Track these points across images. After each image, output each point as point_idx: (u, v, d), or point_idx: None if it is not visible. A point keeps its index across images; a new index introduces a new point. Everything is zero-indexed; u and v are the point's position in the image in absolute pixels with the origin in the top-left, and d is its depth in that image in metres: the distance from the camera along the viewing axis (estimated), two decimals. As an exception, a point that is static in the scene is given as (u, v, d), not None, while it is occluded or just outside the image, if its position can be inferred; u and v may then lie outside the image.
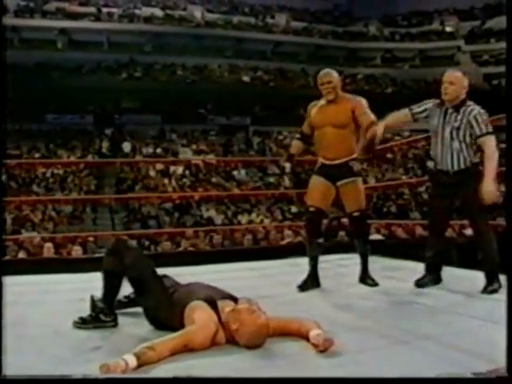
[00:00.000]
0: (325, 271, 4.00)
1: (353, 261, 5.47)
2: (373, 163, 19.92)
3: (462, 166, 3.63)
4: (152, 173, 17.43)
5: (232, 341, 2.45)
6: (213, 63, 26.87)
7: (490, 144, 3.53)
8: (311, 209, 4.00)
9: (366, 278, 4.01)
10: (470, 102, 3.68)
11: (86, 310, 3.04)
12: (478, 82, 27.64)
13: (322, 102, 4.11)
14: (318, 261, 4.01)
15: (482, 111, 3.61)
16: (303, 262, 4.06)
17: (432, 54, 29.58)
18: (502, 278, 3.48)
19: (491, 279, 3.57)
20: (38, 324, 2.98)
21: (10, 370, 2.18)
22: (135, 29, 26.58)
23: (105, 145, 20.98)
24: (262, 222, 14.23)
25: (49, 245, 7.61)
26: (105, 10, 27.21)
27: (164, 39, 26.55)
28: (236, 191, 16.04)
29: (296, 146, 4.30)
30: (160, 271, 2.91)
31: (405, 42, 30.49)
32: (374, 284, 3.92)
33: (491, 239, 3.63)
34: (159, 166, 17.38)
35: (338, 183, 3.98)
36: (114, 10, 27.31)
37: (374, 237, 8.52)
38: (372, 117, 3.95)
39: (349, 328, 2.72)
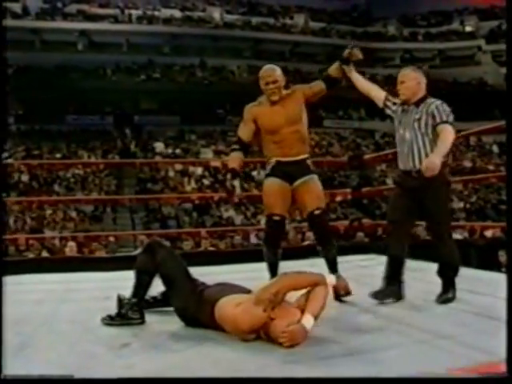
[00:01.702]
0: (345, 272, 4.03)
1: (373, 261, 5.51)
2: (392, 165, 19.83)
3: None
4: (171, 173, 17.56)
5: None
6: (231, 64, 27.00)
7: (447, 130, 3.30)
8: (275, 218, 3.66)
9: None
10: (431, 99, 3.45)
11: (111, 308, 3.13)
12: (499, 82, 27.41)
13: (265, 103, 3.74)
14: (278, 268, 3.77)
15: (445, 104, 3.40)
16: (322, 263, 4.10)
17: (452, 54, 29.40)
18: (502, 278, 3.48)
19: (447, 287, 3.41)
20: (67, 321, 3.06)
21: (42, 366, 2.27)
22: (154, 30, 26.77)
23: (133, 144, 21.22)
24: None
25: (71, 244, 7.75)
26: (124, 11, 27.46)
27: (183, 40, 26.72)
28: (255, 192, 16.06)
29: (236, 158, 3.74)
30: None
31: (424, 42, 30.30)
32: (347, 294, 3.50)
33: (453, 246, 3.45)
34: (178, 167, 17.51)
35: (296, 183, 3.68)
36: (133, 11, 27.53)
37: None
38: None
39: (369, 327, 2.76)
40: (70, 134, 22.47)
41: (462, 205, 16.52)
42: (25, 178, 16.40)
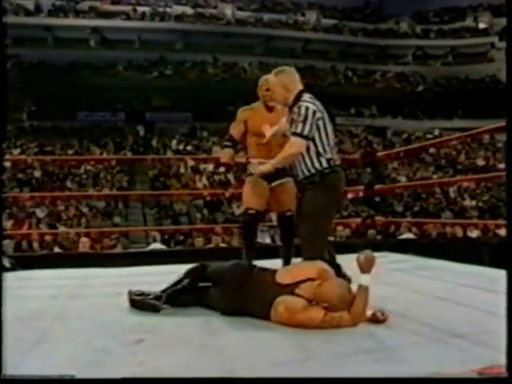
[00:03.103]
0: (357, 269, 4.02)
1: (384, 259, 5.49)
2: (404, 162, 19.76)
3: (307, 173, 3.29)
4: (183, 169, 17.59)
5: None
6: (243, 61, 26.97)
7: (290, 145, 3.24)
8: (251, 211, 3.98)
9: None
10: (303, 99, 3.27)
11: (124, 304, 3.16)
12: (512, 80, 27.17)
13: (259, 108, 4.06)
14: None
15: (302, 105, 3.21)
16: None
17: (465, 51, 29.18)
18: (502, 275, 3.44)
19: None
20: (80, 316, 3.07)
21: (56, 361, 2.28)
22: (166, 27, 26.76)
23: (154, 140, 21.32)
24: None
25: (84, 239, 7.79)
26: (136, 8, 27.52)
27: (194, 37, 26.70)
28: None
29: (228, 154, 4.05)
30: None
31: (437, 39, 30.09)
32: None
33: (317, 246, 3.24)
34: (190, 163, 17.54)
35: (275, 183, 4.00)
36: (145, 8, 27.57)
37: (406, 236, 8.50)
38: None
39: (384, 326, 2.75)
40: (81, 130, 22.56)
41: (474, 203, 16.41)
42: (37, 173, 16.49)
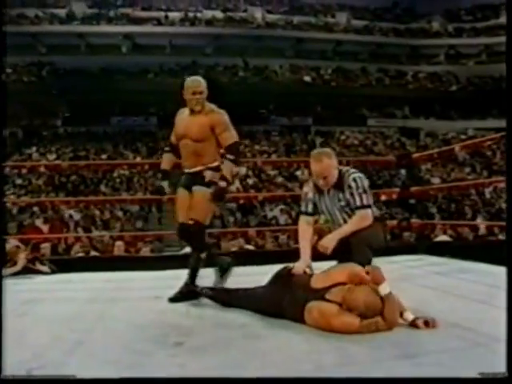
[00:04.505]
0: (394, 272, 3.96)
1: (421, 262, 5.42)
2: (437, 163, 19.48)
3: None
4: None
5: None
6: (274, 63, 26.96)
7: (361, 216, 3.36)
8: (178, 225, 3.86)
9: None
10: (345, 171, 3.46)
11: (162, 307, 3.17)
12: (549, 78, 26.56)
13: (187, 112, 3.95)
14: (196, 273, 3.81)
15: (357, 177, 3.40)
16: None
17: (499, 49, 28.57)
18: (502, 271, 3.35)
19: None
20: (118, 319, 3.11)
21: (96, 361, 2.31)
22: (196, 31, 26.98)
23: None
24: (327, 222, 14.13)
25: (119, 243, 7.86)
26: (167, 13, 27.81)
27: (225, 41, 26.83)
28: (299, 192, 15.94)
29: (167, 159, 4.09)
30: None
31: (470, 38, 29.58)
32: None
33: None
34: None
35: (192, 189, 3.83)
36: (175, 13, 27.84)
37: (441, 238, 8.38)
38: (233, 136, 3.94)
39: (426, 330, 2.71)
40: (115, 135, 22.89)
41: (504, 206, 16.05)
42: (72, 178, 16.76)
